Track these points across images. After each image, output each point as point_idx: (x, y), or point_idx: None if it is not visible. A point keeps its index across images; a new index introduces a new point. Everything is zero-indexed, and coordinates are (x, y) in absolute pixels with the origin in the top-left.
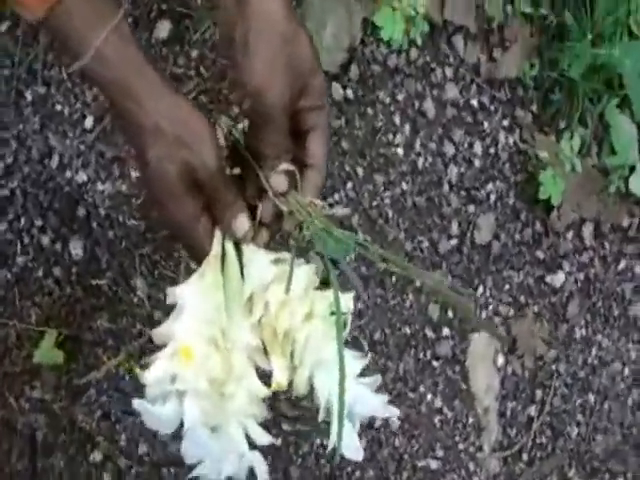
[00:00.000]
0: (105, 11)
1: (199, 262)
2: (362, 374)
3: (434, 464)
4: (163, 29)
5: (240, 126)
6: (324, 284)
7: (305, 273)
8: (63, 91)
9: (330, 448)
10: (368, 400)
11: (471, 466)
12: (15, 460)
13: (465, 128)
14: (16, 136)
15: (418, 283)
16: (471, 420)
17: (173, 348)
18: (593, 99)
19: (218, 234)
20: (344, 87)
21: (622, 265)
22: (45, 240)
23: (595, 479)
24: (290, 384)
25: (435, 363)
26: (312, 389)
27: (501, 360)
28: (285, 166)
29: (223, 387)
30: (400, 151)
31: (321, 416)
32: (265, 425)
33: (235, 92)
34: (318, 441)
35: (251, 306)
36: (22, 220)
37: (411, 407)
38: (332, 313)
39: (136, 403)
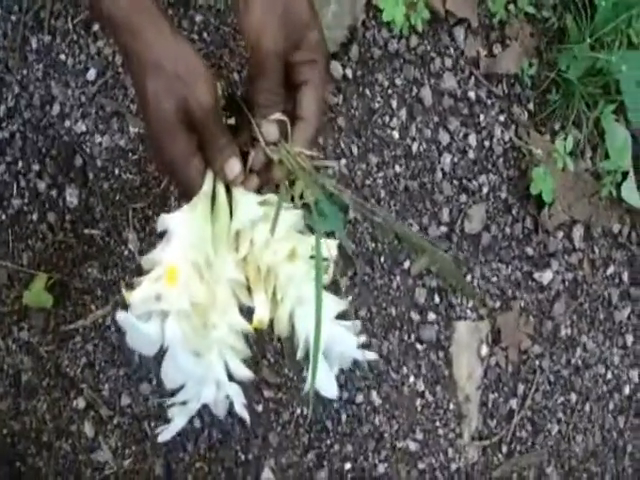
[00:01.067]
0: None
1: (189, 199)
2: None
3: (413, 446)
4: None
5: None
6: (310, 230)
7: (291, 216)
8: (68, 42)
9: (307, 386)
10: (345, 340)
11: (450, 452)
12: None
13: (461, 119)
14: (19, 81)
15: (406, 265)
16: (452, 407)
17: (160, 271)
18: (589, 103)
19: (210, 174)
20: (343, 66)
21: (610, 270)
22: (41, 185)
23: (573, 478)
24: (271, 323)
25: (419, 346)
26: (292, 329)
27: (485, 350)
28: (277, 116)
29: (206, 316)
30: (395, 134)
31: (299, 354)
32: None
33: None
34: (299, 410)
35: (237, 244)
36: (20, 163)
37: (393, 387)
38: (312, 257)
39: (121, 316)
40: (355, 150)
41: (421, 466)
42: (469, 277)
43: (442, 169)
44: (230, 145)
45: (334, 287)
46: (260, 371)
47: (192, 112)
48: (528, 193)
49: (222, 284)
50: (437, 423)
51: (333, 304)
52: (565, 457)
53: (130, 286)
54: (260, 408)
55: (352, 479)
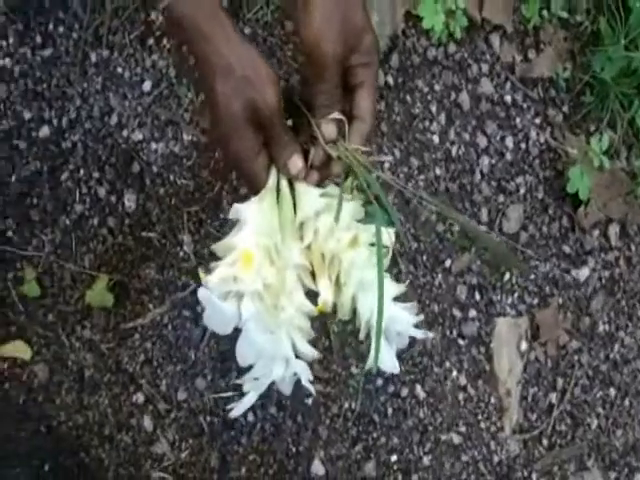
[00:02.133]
0: None
1: (256, 193)
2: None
3: (457, 439)
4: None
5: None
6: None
7: (351, 207)
8: (125, 56)
9: (369, 362)
10: (404, 319)
11: (492, 445)
12: (64, 394)
13: (498, 122)
14: (80, 93)
15: (447, 264)
16: (493, 400)
17: (234, 256)
18: (624, 103)
19: (274, 170)
20: (385, 73)
21: None
22: (101, 191)
23: (613, 472)
24: (334, 306)
25: (461, 342)
26: (355, 312)
27: (524, 346)
28: (335, 115)
29: (276, 298)
30: (435, 138)
31: (361, 335)
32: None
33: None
34: (347, 404)
35: (302, 233)
36: (81, 171)
37: (436, 381)
38: (372, 244)
39: (203, 293)
40: (397, 153)
41: (464, 458)
42: (507, 276)
43: (481, 171)
44: (293, 143)
45: (393, 272)
46: (311, 367)
47: (259, 112)
48: (564, 193)
49: (289, 269)
50: (479, 416)
51: (392, 288)
52: (605, 451)
53: (208, 270)
54: (310, 402)
55: (398, 470)
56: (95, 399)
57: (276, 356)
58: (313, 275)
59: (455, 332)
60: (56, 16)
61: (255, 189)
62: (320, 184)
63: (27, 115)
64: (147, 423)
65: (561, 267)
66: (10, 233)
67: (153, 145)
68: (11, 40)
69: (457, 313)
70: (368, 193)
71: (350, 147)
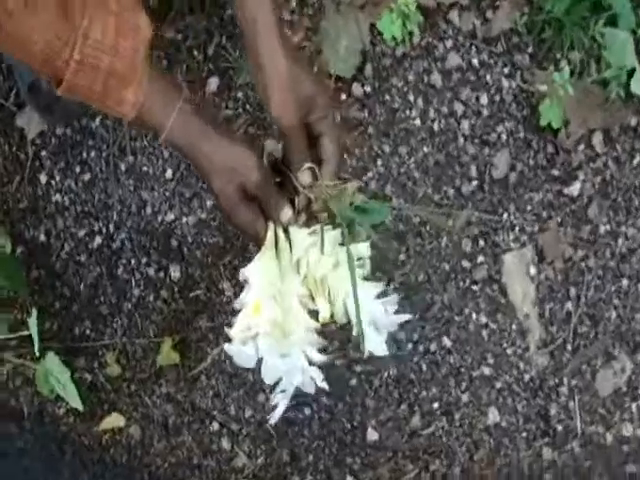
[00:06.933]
0: (173, 98)
1: (260, 246)
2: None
3: (488, 371)
4: (213, 83)
5: (280, 145)
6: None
7: (332, 236)
8: (147, 155)
9: (361, 347)
10: (389, 314)
11: (521, 365)
12: (156, 443)
13: (470, 86)
14: (118, 200)
15: (449, 224)
16: (514, 327)
17: (247, 310)
18: (583, 26)
19: (271, 225)
20: (362, 85)
21: (637, 160)
22: (151, 271)
23: (639, 353)
24: (332, 316)
25: (475, 287)
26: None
27: (533, 271)
28: (306, 165)
29: (285, 327)
30: (417, 122)
31: (354, 331)
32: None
33: None
34: (385, 373)
35: (298, 267)
36: (132, 261)
37: (460, 328)
38: (359, 258)
39: (226, 347)
40: (387, 148)
41: (498, 385)
42: (505, 215)
43: (463, 134)
44: (281, 199)
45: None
46: (348, 354)
47: (250, 189)
48: (543, 126)
49: (292, 298)
50: (504, 345)
51: (373, 288)
52: (628, 336)
53: (229, 326)
54: (354, 382)
55: (441, 415)
56: (181, 439)
57: (293, 370)
58: (312, 298)
59: (468, 281)
60: (87, 144)
61: (259, 244)
62: (309, 223)
63: (81, 233)
64: (225, 444)
65: (553, 190)
66: (88, 331)
67: (184, 219)
68: (58, 178)
69: (466, 264)
70: (341, 221)
71: (323, 185)
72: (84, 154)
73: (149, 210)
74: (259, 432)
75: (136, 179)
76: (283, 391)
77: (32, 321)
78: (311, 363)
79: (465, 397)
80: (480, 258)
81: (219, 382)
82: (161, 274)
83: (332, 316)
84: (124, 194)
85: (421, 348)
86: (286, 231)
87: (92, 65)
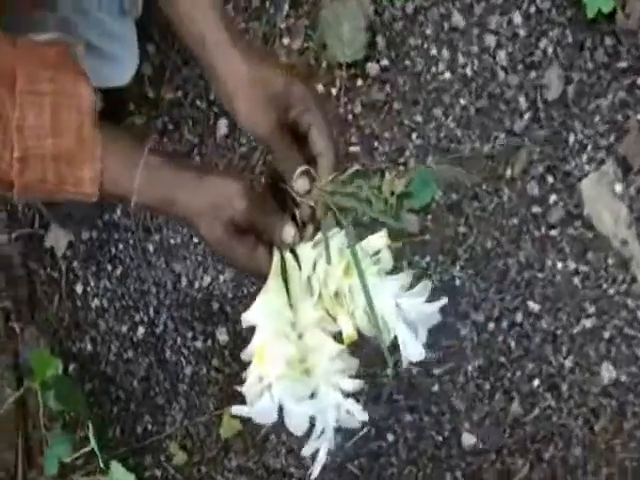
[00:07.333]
0: (134, 158)
1: (265, 281)
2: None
3: (589, 323)
4: (222, 125)
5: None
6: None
7: (337, 240)
8: (171, 227)
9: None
10: (419, 307)
11: (629, 302)
12: None
13: (498, 11)
14: (153, 282)
15: (507, 174)
16: (611, 261)
17: (255, 360)
18: None
19: (277, 252)
20: (377, 61)
21: None
22: (198, 344)
23: None
24: (359, 333)
25: (553, 232)
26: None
27: (619, 187)
28: (300, 169)
29: (304, 364)
30: (447, 75)
31: (386, 340)
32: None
33: None
34: (470, 367)
35: (310, 287)
36: (178, 340)
37: (545, 286)
38: (375, 253)
39: (235, 409)
40: (419, 118)
41: (606, 335)
42: (572, 137)
43: (502, 67)
44: (279, 218)
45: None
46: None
47: (240, 221)
48: (593, 18)
49: (309, 328)
50: (604, 286)
51: (394, 282)
52: None
53: (243, 381)
54: (436, 387)
55: (545, 391)
56: None
57: (326, 409)
58: (333, 318)
59: (543, 228)
60: (113, 239)
61: (263, 278)
62: (315, 233)
63: (124, 329)
64: None
65: (624, 85)
66: (149, 426)
67: (220, 278)
68: (92, 283)
69: (537, 209)
70: (341, 217)
71: (323, 186)
72: (112, 250)
73: (184, 281)
74: (343, 473)
75: (166, 254)
76: (320, 436)
77: (92, 435)
78: (346, 395)
79: (569, 362)
80: (552, 197)
81: (291, 438)
82: (209, 343)
83: (358, 331)
84: (157, 274)
85: (505, 324)
86: (294, 252)
87: (36, 156)
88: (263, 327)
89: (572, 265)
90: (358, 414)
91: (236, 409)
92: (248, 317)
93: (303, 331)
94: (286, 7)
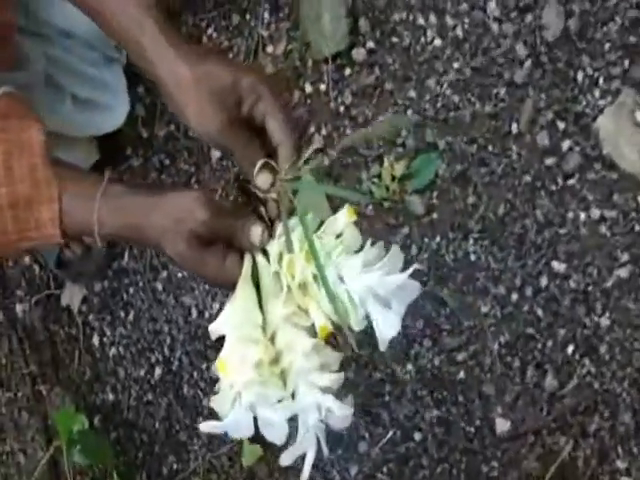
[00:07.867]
0: (91, 191)
1: (233, 289)
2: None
3: (624, 272)
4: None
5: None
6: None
7: (297, 230)
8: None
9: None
10: (382, 280)
11: None
12: None
13: None
14: (165, 320)
15: (514, 129)
16: (633, 205)
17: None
18: None
19: (248, 258)
20: (363, 44)
21: None
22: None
23: None
24: (332, 323)
25: (571, 181)
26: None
27: None
28: (259, 164)
29: (278, 365)
30: (438, 42)
31: (357, 323)
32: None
33: None
34: (495, 346)
35: (279, 283)
36: (194, 374)
37: (569, 242)
38: (338, 236)
39: (202, 426)
40: (413, 94)
41: None
42: (580, 75)
43: (494, 18)
44: (245, 220)
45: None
46: (441, 339)
47: (203, 232)
48: None
49: (281, 328)
50: (636, 228)
51: (358, 259)
52: None
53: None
54: (462, 374)
55: (582, 357)
56: None
57: (306, 409)
58: (305, 311)
59: (560, 179)
60: (124, 285)
61: (233, 286)
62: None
63: (141, 372)
64: None
65: (633, 4)
66: (174, 465)
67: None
68: (108, 332)
69: (550, 160)
70: (294, 200)
71: (283, 178)
72: (124, 296)
73: (195, 313)
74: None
75: (174, 290)
76: (304, 440)
77: None
78: (327, 391)
79: (605, 320)
80: (566, 144)
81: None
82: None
83: (333, 322)
84: (169, 311)
85: (529, 292)
86: (266, 253)
87: None
88: (230, 336)
89: (597, 213)
90: (339, 410)
91: (204, 426)
92: (214, 328)
93: (275, 330)
94: (266, 15)
